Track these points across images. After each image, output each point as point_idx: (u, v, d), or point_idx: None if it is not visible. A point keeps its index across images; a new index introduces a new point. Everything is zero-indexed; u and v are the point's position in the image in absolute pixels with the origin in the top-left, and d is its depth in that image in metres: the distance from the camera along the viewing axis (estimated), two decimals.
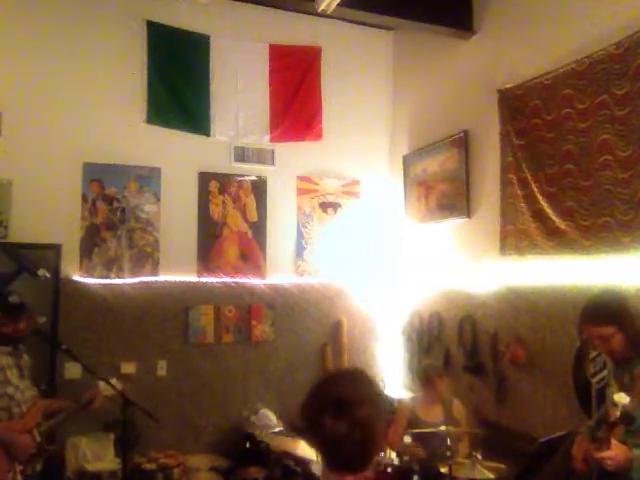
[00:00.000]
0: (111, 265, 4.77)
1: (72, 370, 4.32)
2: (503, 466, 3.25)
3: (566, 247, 3.69)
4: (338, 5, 4.23)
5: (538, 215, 3.90)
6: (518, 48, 4.26)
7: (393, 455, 3.73)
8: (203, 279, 5.07)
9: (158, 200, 4.97)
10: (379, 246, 5.66)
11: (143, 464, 4.29)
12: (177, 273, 4.98)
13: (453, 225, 4.88)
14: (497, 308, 4.34)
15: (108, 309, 4.73)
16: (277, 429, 4.70)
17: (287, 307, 5.33)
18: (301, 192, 5.53)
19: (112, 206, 4.83)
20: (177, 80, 5.12)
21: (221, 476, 4.41)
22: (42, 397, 3.40)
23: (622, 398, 2.11)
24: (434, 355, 4.97)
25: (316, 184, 5.59)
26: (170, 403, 4.82)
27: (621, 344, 2.45)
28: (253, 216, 5.31)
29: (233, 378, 5.10)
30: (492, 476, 3.18)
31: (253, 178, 5.34)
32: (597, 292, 2.90)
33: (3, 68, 4.57)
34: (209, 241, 5.14)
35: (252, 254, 5.27)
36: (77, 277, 4.67)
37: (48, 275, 4.41)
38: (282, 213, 5.43)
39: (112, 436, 4.35)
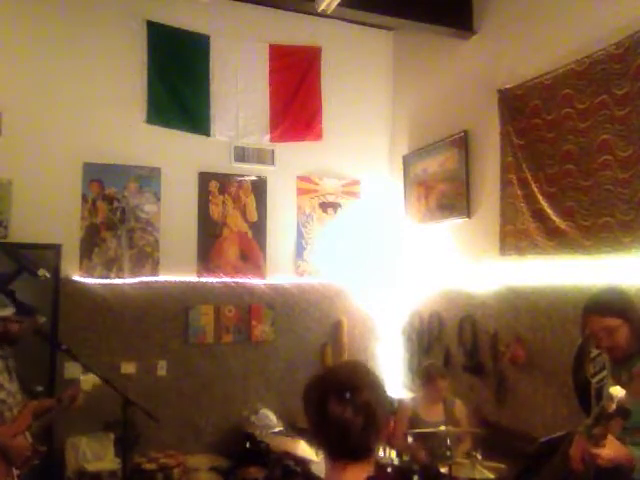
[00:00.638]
0: (111, 265, 4.78)
1: (72, 370, 4.29)
2: (503, 466, 3.26)
3: (566, 247, 3.69)
4: (338, 5, 4.24)
5: (538, 215, 3.90)
6: (518, 48, 4.26)
7: (393, 455, 3.74)
8: (203, 279, 5.07)
9: (158, 200, 4.98)
10: (379, 246, 5.66)
11: (143, 464, 4.29)
12: (177, 273, 4.98)
13: (453, 225, 4.88)
14: (497, 308, 4.34)
15: (108, 309, 4.74)
16: (277, 429, 4.70)
17: (287, 307, 5.33)
18: (301, 192, 5.53)
19: (112, 206, 4.83)
20: (177, 80, 5.12)
21: (221, 476, 4.41)
22: (31, 399, 3.31)
23: (617, 391, 2.11)
24: (434, 355, 4.96)
25: (316, 184, 5.59)
26: (170, 403, 4.82)
27: (626, 338, 2.44)
28: (253, 216, 5.31)
29: (233, 378, 5.10)
30: (492, 476, 3.19)
31: (253, 178, 5.34)
32: (602, 287, 2.87)
33: (3, 68, 4.57)
34: (209, 241, 5.14)
35: (252, 254, 5.27)
36: (77, 277, 4.67)
37: (48, 275, 4.39)
38: (282, 213, 5.43)
39: (112, 436, 4.36)
